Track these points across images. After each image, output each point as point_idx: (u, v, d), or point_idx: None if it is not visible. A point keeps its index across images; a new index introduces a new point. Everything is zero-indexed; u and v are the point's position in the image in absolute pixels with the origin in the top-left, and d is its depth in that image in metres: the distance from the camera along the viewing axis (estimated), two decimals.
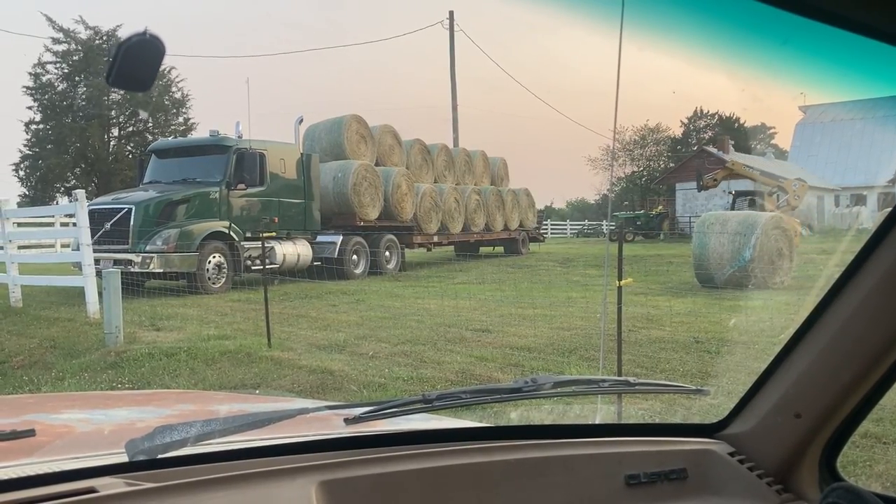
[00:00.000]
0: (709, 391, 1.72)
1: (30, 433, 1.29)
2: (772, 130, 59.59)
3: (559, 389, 1.57)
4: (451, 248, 23.51)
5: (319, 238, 16.41)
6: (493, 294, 12.80)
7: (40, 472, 1.14)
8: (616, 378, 1.68)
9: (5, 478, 1.11)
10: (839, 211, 42.20)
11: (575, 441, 1.54)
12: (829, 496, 1.35)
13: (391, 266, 17.99)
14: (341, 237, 16.48)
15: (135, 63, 0.97)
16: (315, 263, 15.65)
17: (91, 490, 1.09)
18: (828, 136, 48.85)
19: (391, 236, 18.20)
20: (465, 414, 1.95)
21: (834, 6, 0.92)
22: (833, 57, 1.09)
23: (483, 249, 24.88)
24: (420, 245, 20.35)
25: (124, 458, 1.21)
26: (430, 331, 8.68)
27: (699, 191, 25.73)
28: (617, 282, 5.92)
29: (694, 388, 1.70)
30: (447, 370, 6.74)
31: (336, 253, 16.10)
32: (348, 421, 1.43)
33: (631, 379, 1.62)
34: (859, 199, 43.64)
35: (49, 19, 33.18)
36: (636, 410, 4.06)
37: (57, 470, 1.15)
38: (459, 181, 22.72)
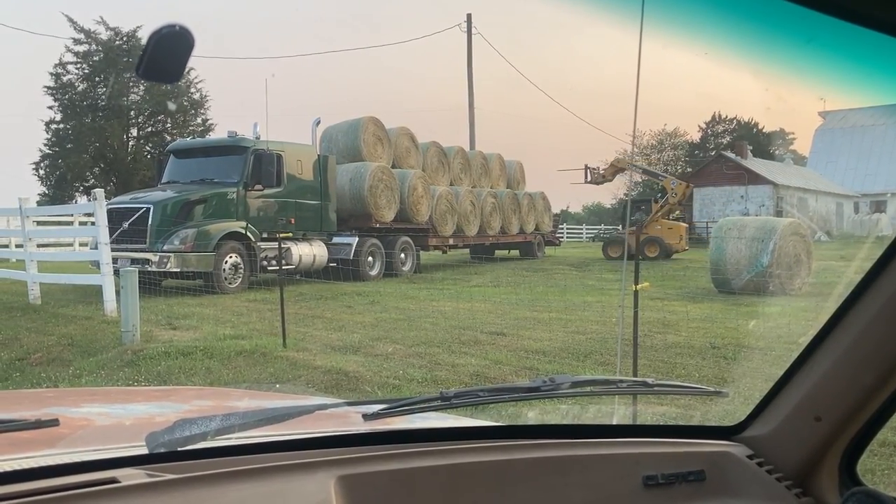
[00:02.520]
0: (727, 393, 1.72)
1: (54, 423, 1.31)
2: (791, 136, 59.21)
3: (577, 389, 1.56)
4: (467, 250, 23.52)
5: (335, 239, 16.46)
6: (508, 297, 12.79)
7: (63, 462, 1.15)
8: (634, 379, 1.68)
9: (29, 467, 1.13)
10: (858, 217, 41.83)
11: (592, 441, 1.53)
12: (849, 500, 1.34)
13: (406, 268, 18.02)
14: (357, 238, 16.53)
15: (165, 55, 0.99)
16: (331, 264, 15.71)
17: (113, 480, 1.10)
18: (847, 143, 48.52)
19: (407, 238, 18.22)
20: (483, 413, 1.95)
21: (859, 5, 0.91)
22: (857, 57, 1.08)
23: (498, 252, 24.89)
24: (435, 247, 20.38)
25: (145, 451, 1.23)
26: (444, 333, 8.68)
27: (586, 182, 25.93)
28: (633, 286, 5.90)
29: (713, 389, 1.70)
30: (461, 372, 6.74)
31: (352, 254, 16.15)
32: (366, 417, 1.43)
33: (649, 380, 1.61)
34: (879, 206, 43.25)
35: (70, 20, 33.55)
36: (651, 416, 4.04)
37: (79, 460, 1.17)
38: (475, 184, 22.72)
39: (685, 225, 25.38)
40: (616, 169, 25.86)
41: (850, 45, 1.01)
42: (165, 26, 0.97)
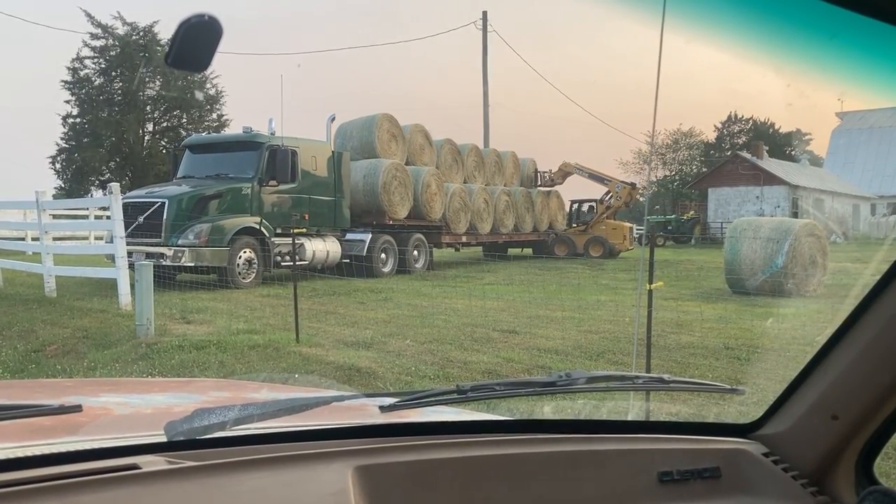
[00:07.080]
0: (744, 390, 1.71)
1: (77, 409, 1.32)
2: (808, 137, 58.78)
3: (593, 384, 1.56)
4: (480, 248, 23.52)
5: (349, 235, 16.51)
6: (520, 295, 12.77)
7: (85, 448, 1.17)
8: (650, 375, 1.67)
9: (51, 452, 1.14)
10: (875, 220, 41.45)
11: (607, 437, 1.53)
12: (866, 500, 1.34)
13: (419, 265, 18.04)
14: (370, 235, 16.56)
15: (193, 44, 1.00)
16: (344, 261, 15.78)
17: (134, 466, 1.12)
18: (865, 144, 48.09)
19: (420, 235, 18.25)
20: (498, 407, 1.95)
21: (885, 1, 0.91)
22: (880, 55, 1.08)
23: (511, 250, 24.88)
24: (448, 245, 20.41)
25: (164, 439, 1.24)
26: (457, 330, 8.68)
27: (536, 187, 25.95)
28: (647, 285, 5.88)
29: (729, 387, 1.69)
30: (473, 370, 6.74)
31: (365, 251, 16.20)
32: (383, 409, 1.44)
33: (665, 376, 1.61)
34: None
35: (88, 15, 33.73)
36: (666, 415, 4.02)
37: (101, 447, 1.18)
38: (489, 182, 22.71)
39: (629, 225, 25.99)
40: (564, 173, 26.08)
41: (873, 42, 1.01)
42: (194, 16, 0.98)
